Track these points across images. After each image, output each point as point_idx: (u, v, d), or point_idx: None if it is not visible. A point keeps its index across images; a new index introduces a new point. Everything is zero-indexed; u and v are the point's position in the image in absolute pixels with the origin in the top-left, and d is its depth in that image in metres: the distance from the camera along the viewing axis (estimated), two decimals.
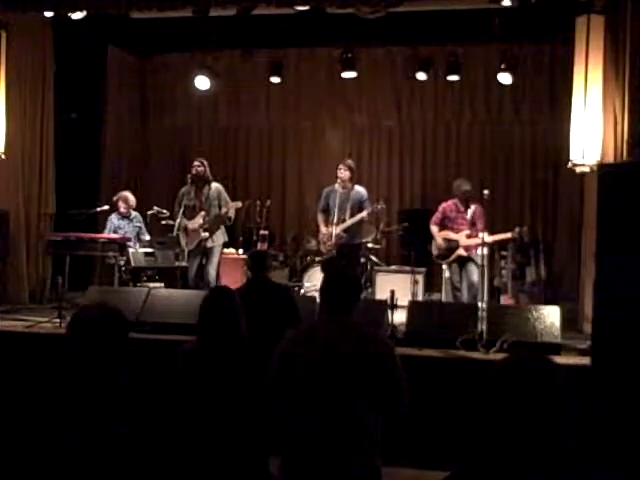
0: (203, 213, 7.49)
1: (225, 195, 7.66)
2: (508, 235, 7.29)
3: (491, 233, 7.24)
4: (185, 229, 7.52)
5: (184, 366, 3.47)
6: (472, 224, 7.37)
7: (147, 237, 7.95)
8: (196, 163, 7.61)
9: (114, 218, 7.93)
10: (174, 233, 7.52)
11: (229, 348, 3.39)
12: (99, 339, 2.18)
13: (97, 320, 2.23)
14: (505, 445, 1.70)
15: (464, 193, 7.39)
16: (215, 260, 7.53)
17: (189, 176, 7.59)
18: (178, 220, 7.48)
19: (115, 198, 8.01)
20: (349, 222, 7.59)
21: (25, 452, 2.04)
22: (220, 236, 7.62)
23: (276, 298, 5.03)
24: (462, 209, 7.45)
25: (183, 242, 7.53)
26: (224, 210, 7.47)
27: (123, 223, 7.91)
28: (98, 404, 2.10)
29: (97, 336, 2.19)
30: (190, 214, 7.56)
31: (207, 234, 7.48)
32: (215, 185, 7.64)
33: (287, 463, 3.11)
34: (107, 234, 7.75)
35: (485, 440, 1.74)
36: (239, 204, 7.72)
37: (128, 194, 8.07)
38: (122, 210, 7.94)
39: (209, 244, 7.50)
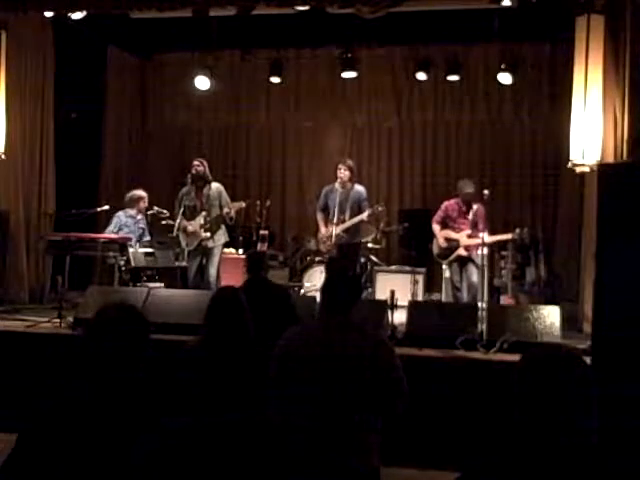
0: (204, 213, 7.48)
1: (226, 195, 7.65)
2: (508, 236, 7.32)
3: (491, 233, 7.25)
4: (185, 229, 7.52)
5: (187, 364, 3.47)
6: (474, 224, 7.38)
7: (148, 238, 7.95)
8: (196, 163, 7.61)
9: (122, 215, 7.91)
10: (174, 233, 7.52)
11: (236, 348, 3.39)
12: (121, 339, 2.17)
13: (119, 320, 2.21)
14: (528, 437, 1.70)
15: (466, 195, 7.41)
16: (216, 260, 7.53)
17: (189, 176, 7.58)
18: (178, 220, 7.47)
19: (136, 197, 7.92)
20: (349, 223, 7.60)
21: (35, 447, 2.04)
22: (221, 236, 7.62)
23: (274, 299, 5.03)
24: (464, 209, 7.47)
25: (183, 242, 7.52)
26: (225, 210, 7.46)
27: (130, 222, 7.89)
28: (116, 402, 2.09)
29: (119, 336, 2.17)
30: (191, 214, 7.55)
31: (208, 234, 7.48)
32: (215, 185, 7.64)
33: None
34: (112, 229, 7.74)
35: (508, 433, 1.73)
36: (242, 204, 7.71)
37: (143, 192, 8.06)
38: (141, 206, 7.91)
39: (210, 244, 7.50)
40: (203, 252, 7.53)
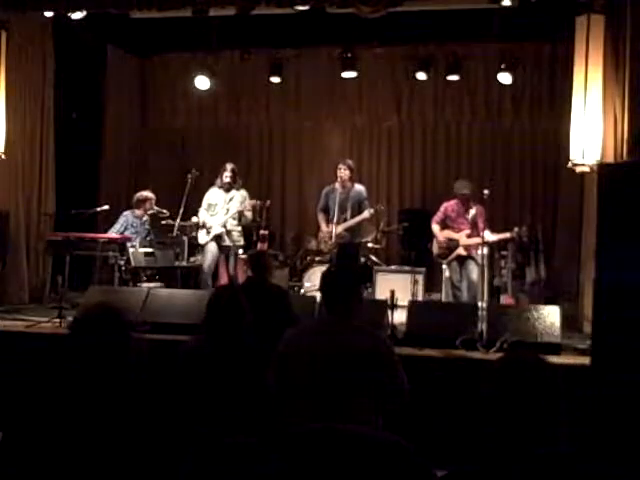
0: (223, 211, 7.58)
1: (248, 202, 7.76)
2: (507, 235, 7.34)
3: (491, 233, 7.28)
4: (204, 225, 7.64)
5: (185, 364, 3.47)
6: (473, 224, 7.39)
7: (153, 237, 8.00)
8: (227, 173, 7.64)
9: (129, 215, 7.94)
10: (174, 233, 7.55)
11: (235, 346, 3.40)
12: (100, 338, 2.18)
13: (98, 319, 2.23)
14: (501, 444, 1.71)
15: (463, 196, 7.44)
16: (231, 259, 7.68)
17: (218, 180, 7.69)
18: (200, 217, 7.65)
19: (142, 198, 7.95)
20: (351, 222, 7.64)
21: (30, 450, 2.04)
22: (238, 239, 7.76)
23: (271, 299, 5.02)
24: (463, 209, 7.50)
25: (200, 237, 7.65)
26: (241, 208, 7.64)
27: (137, 222, 7.92)
28: (101, 400, 2.10)
29: (98, 335, 2.19)
30: (212, 212, 7.69)
31: (223, 229, 7.57)
32: (242, 191, 7.78)
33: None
34: (119, 229, 7.77)
35: (483, 439, 1.74)
36: (254, 202, 7.82)
37: (151, 194, 8.08)
38: (147, 207, 7.93)
39: (227, 242, 7.59)
40: (220, 249, 7.64)
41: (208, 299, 3.59)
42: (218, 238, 7.59)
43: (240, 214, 7.69)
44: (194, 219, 7.78)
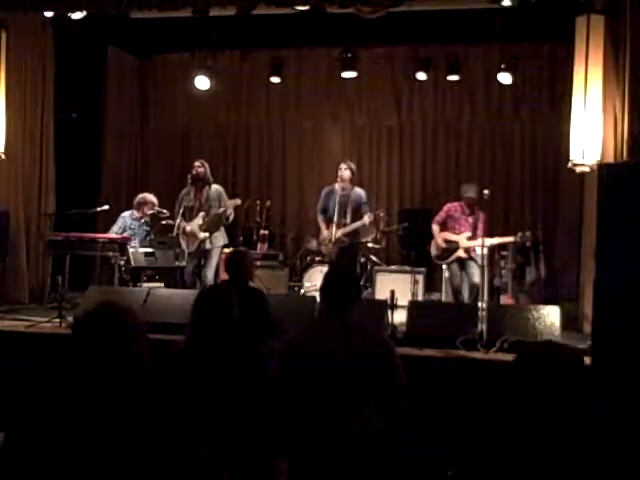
0: (202, 214, 7.48)
1: (225, 197, 7.64)
2: (510, 239, 7.35)
3: (492, 235, 7.28)
4: (184, 230, 7.51)
5: (180, 364, 3.47)
6: (474, 227, 7.40)
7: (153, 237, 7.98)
8: (197, 164, 7.61)
9: (127, 217, 7.93)
10: (174, 233, 7.53)
11: (224, 345, 3.39)
12: (104, 337, 2.17)
13: (104, 319, 2.21)
14: (510, 443, 1.70)
15: (468, 199, 7.43)
16: (213, 262, 7.50)
17: (189, 177, 7.59)
18: (178, 221, 7.48)
19: (142, 200, 7.94)
20: (350, 227, 7.62)
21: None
22: (220, 238, 7.60)
23: (248, 303, 4.91)
24: (467, 211, 7.49)
25: (184, 244, 7.52)
26: (222, 209, 7.46)
27: (135, 224, 7.91)
28: (107, 400, 2.09)
29: (103, 334, 2.17)
30: (189, 215, 7.56)
31: (207, 234, 7.46)
32: (215, 187, 7.65)
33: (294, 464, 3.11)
34: (116, 230, 7.76)
35: (496, 436, 1.73)
36: (238, 201, 7.69)
37: (153, 197, 8.04)
38: (145, 210, 7.91)
39: (207, 246, 7.48)
40: (202, 254, 7.53)
41: (194, 299, 3.56)
42: (200, 243, 7.47)
43: (222, 215, 7.44)
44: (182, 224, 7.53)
